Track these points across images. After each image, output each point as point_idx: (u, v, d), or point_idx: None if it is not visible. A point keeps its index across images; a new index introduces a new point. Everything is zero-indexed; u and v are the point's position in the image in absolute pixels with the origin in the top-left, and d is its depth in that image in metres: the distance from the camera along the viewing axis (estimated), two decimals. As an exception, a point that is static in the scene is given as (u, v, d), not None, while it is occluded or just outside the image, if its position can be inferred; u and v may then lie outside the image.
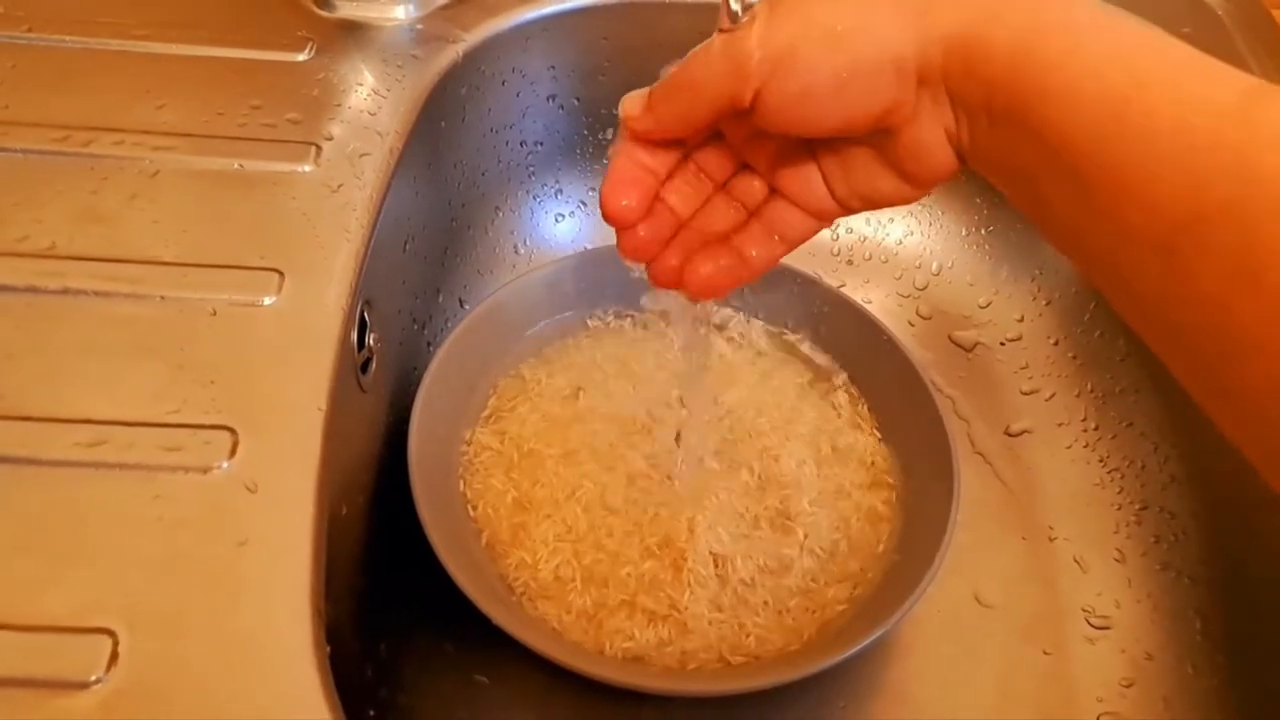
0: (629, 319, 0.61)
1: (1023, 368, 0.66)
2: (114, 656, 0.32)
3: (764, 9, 0.34)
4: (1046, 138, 0.30)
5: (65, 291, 0.41)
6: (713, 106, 0.36)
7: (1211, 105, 0.27)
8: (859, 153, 0.37)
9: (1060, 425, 0.63)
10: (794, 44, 0.33)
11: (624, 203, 0.38)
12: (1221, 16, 0.64)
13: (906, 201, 0.39)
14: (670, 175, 0.40)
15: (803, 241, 0.41)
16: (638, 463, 0.53)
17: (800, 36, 0.33)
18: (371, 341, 0.48)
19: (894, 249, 0.71)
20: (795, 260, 0.68)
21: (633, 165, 0.38)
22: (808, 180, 0.39)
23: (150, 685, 0.32)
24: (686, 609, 0.49)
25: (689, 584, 0.49)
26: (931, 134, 0.34)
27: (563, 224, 0.69)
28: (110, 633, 0.33)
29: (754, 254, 0.40)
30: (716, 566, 0.50)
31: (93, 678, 0.32)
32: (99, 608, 0.33)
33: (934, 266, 0.70)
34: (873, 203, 0.39)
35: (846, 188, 0.38)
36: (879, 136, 0.35)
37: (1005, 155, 0.33)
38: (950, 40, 0.32)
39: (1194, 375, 0.29)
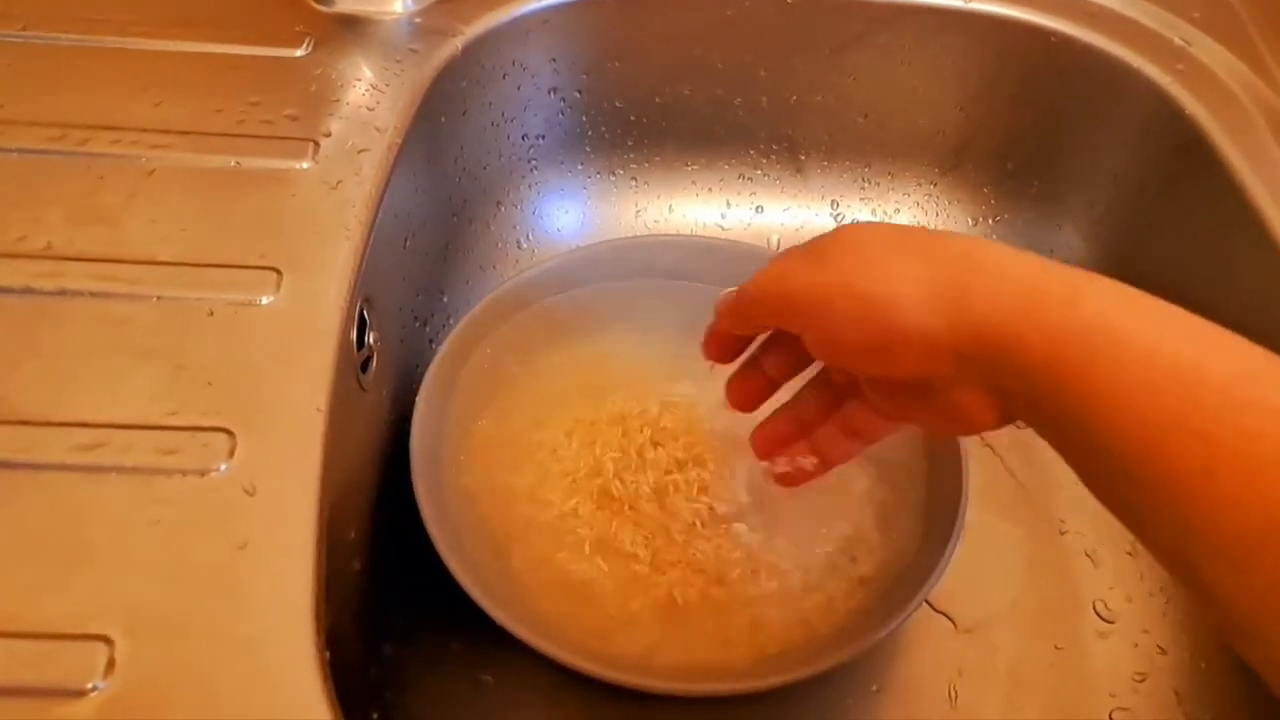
0: (635, 313, 0.60)
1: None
2: (111, 663, 0.32)
3: (815, 253, 0.37)
4: (1093, 435, 0.30)
5: (62, 292, 0.41)
6: (763, 326, 0.41)
7: (1275, 416, 0.27)
8: (908, 393, 0.37)
9: (1070, 417, 0.63)
10: (832, 299, 0.35)
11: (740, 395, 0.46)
12: (1232, 0, 0.63)
13: (960, 435, 0.43)
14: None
15: (878, 439, 0.44)
16: (648, 456, 0.52)
17: (839, 293, 0.35)
18: (372, 340, 0.47)
19: (900, 240, 0.70)
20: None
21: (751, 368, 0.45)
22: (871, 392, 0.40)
23: (148, 691, 0.32)
24: (696, 605, 0.48)
25: (699, 580, 0.49)
26: (975, 399, 0.34)
27: (566, 218, 0.68)
28: (107, 639, 0.32)
29: (831, 452, 0.45)
30: (724, 562, 0.49)
31: (90, 685, 0.32)
32: (96, 613, 0.33)
33: (941, 257, 0.69)
34: (928, 429, 0.43)
35: (900, 415, 0.40)
36: (924, 387, 0.35)
37: (1052, 438, 0.33)
38: (985, 331, 0.32)
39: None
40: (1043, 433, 0.33)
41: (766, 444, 0.47)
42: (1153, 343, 0.29)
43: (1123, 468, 0.29)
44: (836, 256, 0.36)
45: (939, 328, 0.33)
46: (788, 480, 0.47)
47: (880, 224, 0.39)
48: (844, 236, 0.37)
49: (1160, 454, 0.28)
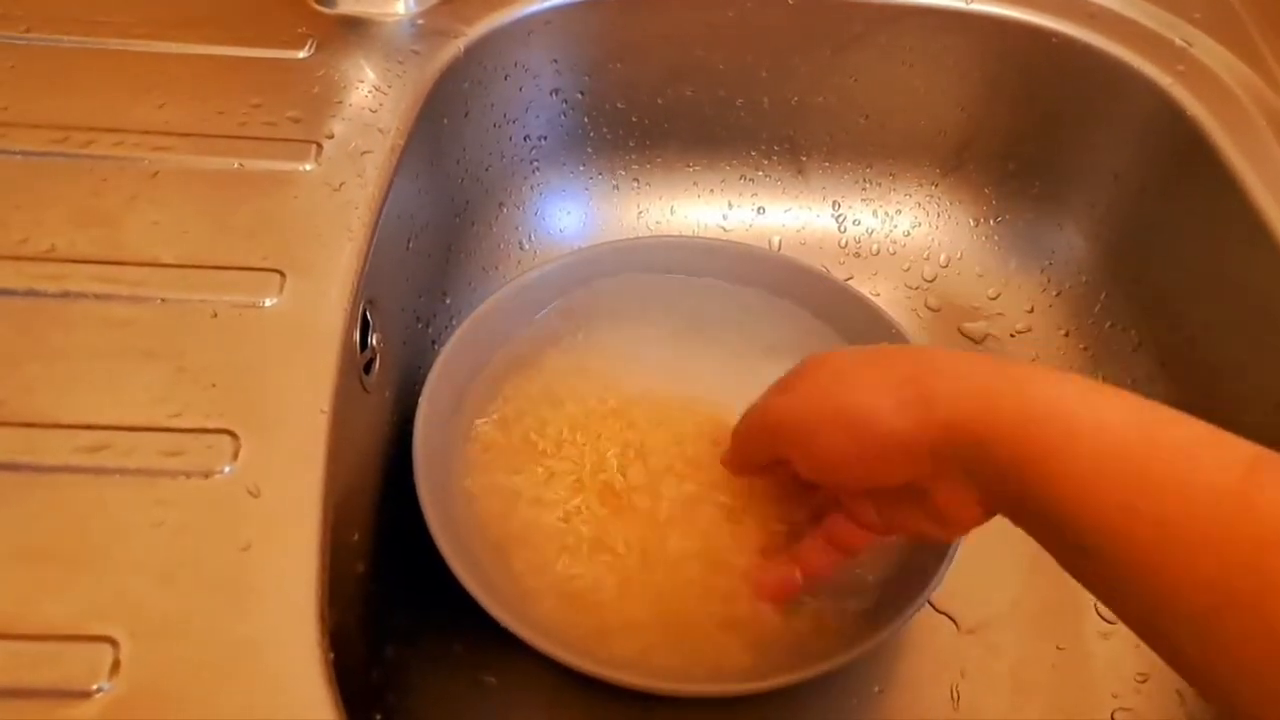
0: (637, 313, 0.60)
1: (1033, 359, 0.66)
2: (116, 664, 0.32)
3: (788, 385, 0.41)
4: (1057, 520, 0.32)
5: (65, 294, 0.41)
6: (761, 461, 0.45)
7: (1214, 494, 0.29)
8: (898, 499, 0.40)
9: (1072, 417, 0.63)
10: (810, 419, 0.39)
11: None
12: (1233, 1, 0.63)
13: (950, 539, 0.45)
14: None
15: (862, 549, 0.46)
16: (650, 457, 0.52)
17: (815, 413, 0.39)
18: (375, 341, 0.47)
19: (902, 240, 0.70)
20: (802, 253, 0.68)
21: None
22: (858, 507, 0.43)
23: (153, 693, 0.32)
24: (698, 606, 0.48)
25: (700, 581, 0.49)
26: (959, 495, 0.36)
27: (568, 219, 0.68)
28: (112, 640, 0.32)
29: (814, 563, 0.46)
30: (725, 564, 0.49)
31: (94, 686, 0.32)
32: (101, 615, 0.33)
33: (942, 258, 0.70)
34: (917, 537, 0.46)
35: (891, 524, 0.42)
36: (912, 491, 0.38)
37: (1025, 526, 0.35)
38: (953, 430, 0.34)
39: None
40: (1018, 522, 0.35)
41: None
42: (1100, 430, 0.31)
43: (1085, 547, 0.31)
44: (808, 381, 0.40)
45: (910, 429, 0.35)
46: (773, 596, 0.48)
47: (840, 350, 0.43)
48: (811, 364, 0.41)
49: (1117, 535, 0.30)
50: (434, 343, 0.58)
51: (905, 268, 0.70)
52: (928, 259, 0.70)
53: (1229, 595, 0.28)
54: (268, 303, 0.42)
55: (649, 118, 0.67)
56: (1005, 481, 0.33)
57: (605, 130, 0.67)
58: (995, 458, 0.33)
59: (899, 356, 0.38)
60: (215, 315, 0.41)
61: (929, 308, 0.68)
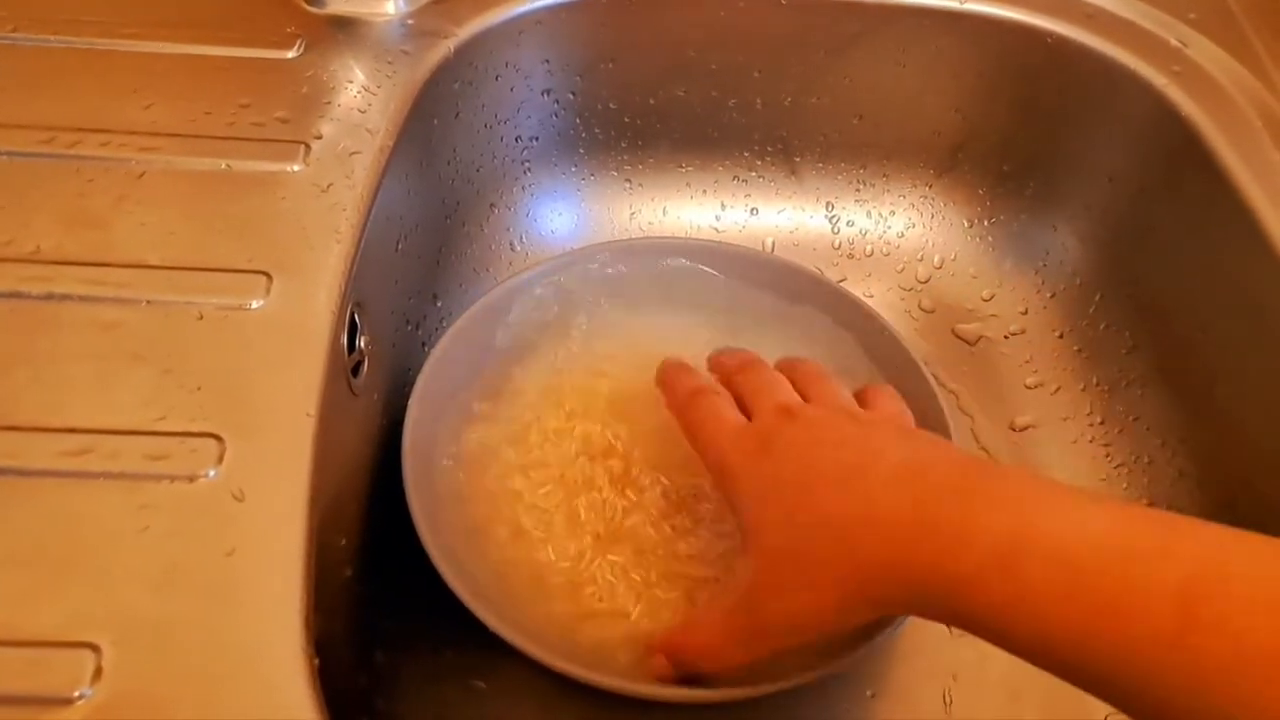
0: (629, 315, 0.60)
1: (1027, 361, 0.65)
2: (99, 671, 0.32)
3: (741, 599, 0.41)
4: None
5: (50, 297, 0.41)
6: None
7: (1149, 630, 0.29)
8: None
9: (1065, 420, 0.62)
10: (767, 629, 0.40)
11: None
12: (1229, 1, 0.63)
13: None
14: None
15: None
16: (645, 461, 0.52)
17: (772, 628, 0.40)
18: (363, 344, 0.47)
19: (895, 242, 0.70)
20: (794, 254, 0.68)
21: None
22: None
23: (136, 699, 0.31)
24: (694, 610, 0.48)
25: (697, 585, 0.48)
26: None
27: (559, 220, 0.68)
28: (94, 646, 0.32)
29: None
30: (723, 567, 0.49)
31: (77, 693, 0.31)
32: (83, 621, 0.33)
33: (936, 259, 0.69)
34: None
35: None
36: None
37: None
38: (890, 597, 0.36)
39: None
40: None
41: None
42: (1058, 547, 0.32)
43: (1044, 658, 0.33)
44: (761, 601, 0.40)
45: (856, 613, 0.38)
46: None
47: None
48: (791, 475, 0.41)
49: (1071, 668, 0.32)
50: (424, 345, 0.58)
51: (899, 269, 0.69)
52: (922, 260, 0.69)
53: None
54: (254, 305, 0.41)
55: (641, 118, 0.66)
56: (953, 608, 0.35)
57: (597, 131, 0.67)
58: (932, 604, 0.35)
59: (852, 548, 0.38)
60: (201, 317, 0.41)
61: (923, 309, 0.68)
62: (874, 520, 0.36)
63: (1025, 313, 0.67)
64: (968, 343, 0.66)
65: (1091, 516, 0.32)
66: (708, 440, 0.44)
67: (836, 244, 0.70)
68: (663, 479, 0.51)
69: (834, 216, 0.70)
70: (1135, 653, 0.29)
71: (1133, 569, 0.30)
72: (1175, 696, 0.28)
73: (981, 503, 0.34)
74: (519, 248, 0.67)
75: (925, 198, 0.70)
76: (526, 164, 0.66)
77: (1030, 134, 0.66)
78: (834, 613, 0.38)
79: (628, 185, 0.69)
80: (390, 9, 0.56)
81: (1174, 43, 0.61)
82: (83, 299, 0.41)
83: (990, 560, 0.32)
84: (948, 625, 0.36)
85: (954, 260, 0.69)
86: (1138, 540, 0.31)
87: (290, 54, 0.52)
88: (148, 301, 0.41)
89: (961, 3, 0.61)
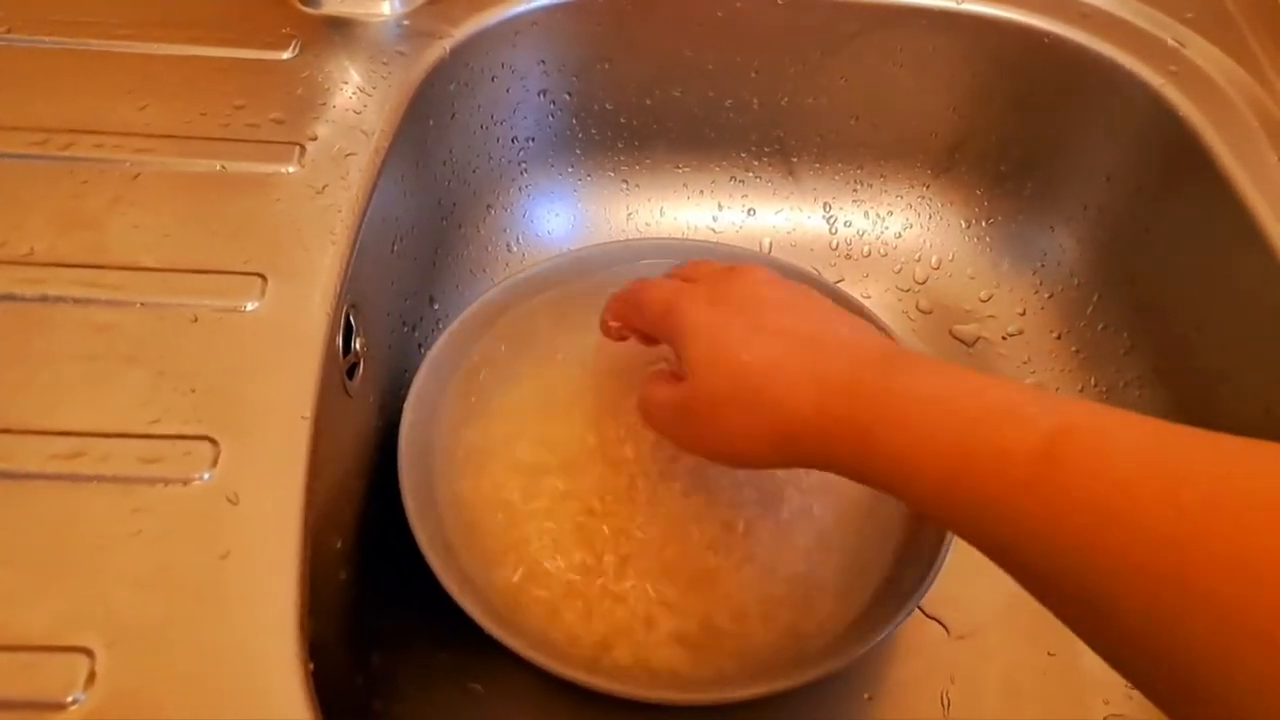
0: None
1: (1025, 362, 0.65)
2: (92, 675, 0.32)
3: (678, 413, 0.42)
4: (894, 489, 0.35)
5: (44, 299, 0.41)
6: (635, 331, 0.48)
7: (1015, 472, 0.30)
8: None
9: (1064, 420, 0.62)
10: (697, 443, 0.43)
11: None
12: (1225, 1, 0.63)
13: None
14: None
15: None
16: (638, 463, 0.52)
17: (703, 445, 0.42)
18: (358, 346, 0.47)
19: (893, 242, 0.70)
20: (792, 255, 0.68)
21: None
22: None
23: (129, 704, 0.31)
24: (690, 614, 0.48)
25: (692, 587, 0.48)
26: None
27: (556, 221, 0.68)
28: (88, 651, 0.32)
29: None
30: (717, 570, 0.49)
31: (70, 698, 0.31)
32: (77, 625, 0.33)
33: (934, 260, 0.69)
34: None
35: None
36: None
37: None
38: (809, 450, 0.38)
39: None
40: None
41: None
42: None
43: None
44: (739, 321, 0.41)
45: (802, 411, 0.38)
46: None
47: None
48: (749, 298, 0.42)
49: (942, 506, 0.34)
50: (420, 346, 0.58)
51: (896, 269, 0.69)
52: (919, 261, 0.69)
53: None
54: (249, 307, 0.41)
55: (638, 119, 0.66)
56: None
57: (594, 131, 0.67)
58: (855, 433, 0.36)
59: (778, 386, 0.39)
60: (196, 319, 0.41)
61: (920, 310, 0.68)
62: (816, 377, 0.38)
63: (1023, 313, 0.67)
64: (965, 344, 0.66)
65: (988, 385, 0.34)
66: (658, 302, 0.45)
67: (834, 244, 0.70)
68: (662, 478, 0.51)
69: (831, 217, 0.70)
70: (1001, 492, 0.30)
71: (1008, 420, 0.31)
72: (1033, 540, 0.29)
73: (901, 371, 0.36)
74: (515, 249, 0.66)
75: (922, 198, 0.70)
76: (523, 165, 0.66)
77: (1027, 134, 0.66)
78: (762, 451, 0.39)
79: (624, 186, 0.69)
80: (386, 10, 0.56)
81: (1171, 42, 0.60)
82: (76, 301, 0.41)
83: (891, 414, 0.34)
84: (858, 481, 0.37)
85: (951, 261, 0.69)
86: (1025, 403, 0.32)
87: (285, 55, 0.52)
88: (142, 303, 0.41)
89: (958, 3, 0.61)
